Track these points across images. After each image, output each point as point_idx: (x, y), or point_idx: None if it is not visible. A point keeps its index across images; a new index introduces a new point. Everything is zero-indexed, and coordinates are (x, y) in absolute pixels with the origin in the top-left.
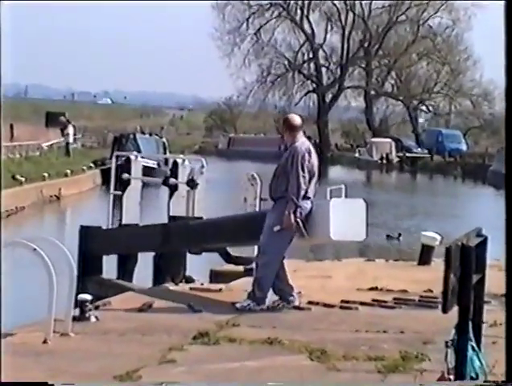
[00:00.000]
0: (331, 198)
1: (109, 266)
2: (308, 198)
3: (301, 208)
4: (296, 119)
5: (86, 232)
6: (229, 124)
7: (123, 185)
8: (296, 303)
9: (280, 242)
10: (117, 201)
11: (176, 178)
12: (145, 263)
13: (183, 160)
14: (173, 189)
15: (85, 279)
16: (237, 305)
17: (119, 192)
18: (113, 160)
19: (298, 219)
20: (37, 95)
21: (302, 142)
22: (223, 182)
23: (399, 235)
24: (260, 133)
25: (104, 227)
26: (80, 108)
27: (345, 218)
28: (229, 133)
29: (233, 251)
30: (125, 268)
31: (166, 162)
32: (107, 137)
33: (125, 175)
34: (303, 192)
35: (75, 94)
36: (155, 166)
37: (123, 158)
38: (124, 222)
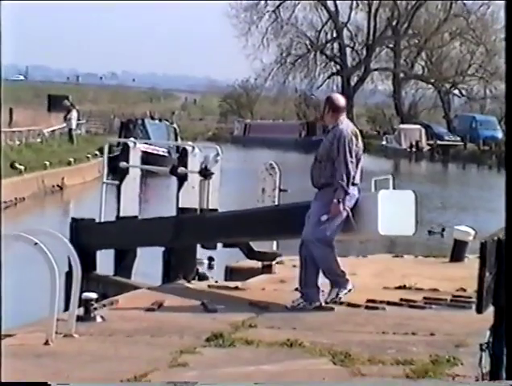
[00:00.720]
0: (376, 189)
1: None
2: (355, 184)
3: (350, 195)
4: (340, 99)
5: (78, 225)
6: (246, 109)
7: (121, 174)
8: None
9: (328, 232)
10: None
11: (186, 166)
12: (145, 258)
13: (193, 147)
14: (182, 179)
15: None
16: (327, 300)
17: (116, 182)
18: (106, 147)
19: (346, 208)
20: (38, 77)
21: (347, 125)
22: (239, 172)
23: (443, 229)
24: (279, 118)
25: (97, 220)
26: (85, 91)
27: (394, 211)
28: (246, 118)
29: (256, 245)
30: (123, 264)
31: (177, 149)
32: (113, 123)
33: (123, 164)
34: (351, 179)
35: (79, 76)
36: (166, 154)
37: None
38: (122, 214)
